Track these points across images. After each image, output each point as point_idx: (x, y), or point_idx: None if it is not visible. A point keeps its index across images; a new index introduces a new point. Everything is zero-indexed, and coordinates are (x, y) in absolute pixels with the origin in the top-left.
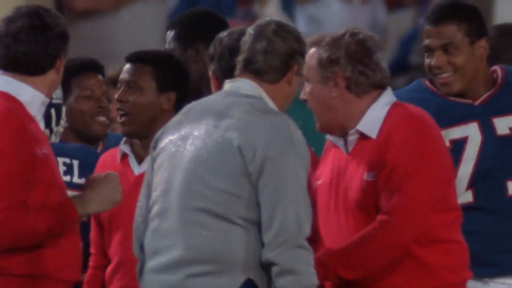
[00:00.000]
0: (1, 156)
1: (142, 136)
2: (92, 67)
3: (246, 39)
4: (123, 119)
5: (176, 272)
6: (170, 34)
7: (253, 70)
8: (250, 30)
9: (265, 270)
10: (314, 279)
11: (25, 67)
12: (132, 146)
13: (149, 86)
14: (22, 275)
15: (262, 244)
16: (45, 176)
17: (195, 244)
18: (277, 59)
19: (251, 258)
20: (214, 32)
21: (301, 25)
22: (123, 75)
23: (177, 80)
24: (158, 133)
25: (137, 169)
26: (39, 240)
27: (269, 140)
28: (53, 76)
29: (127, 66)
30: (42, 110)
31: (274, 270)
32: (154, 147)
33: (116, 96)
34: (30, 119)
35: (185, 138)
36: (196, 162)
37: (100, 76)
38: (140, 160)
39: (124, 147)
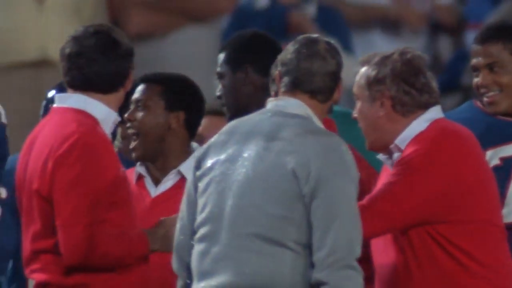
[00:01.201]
0: (89, 172)
1: (153, 159)
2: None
3: (295, 57)
4: (133, 144)
5: None
6: (221, 57)
7: (308, 90)
8: (300, 48)
9: None
10: None
11: (99, 85)
12: (147, 167)
13: (157, 105)
14: None
15: (311, 267)
16: (125, 195)
17: (247, 270)
18: (331, 79)
19: (299, 282)
20: (263, 54)
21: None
22: (134, 95)
23: (186, 100)
24: (200, 152)
25: (153, 191)
26: (110, 265)
27: (322, 162)
28: (122, 93)
29: (139, 86)
30: (112, 128)
31: None
32: (198, 167)
33: (125, 115)
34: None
35: (233, 159)
36: (248, 186)
37: None
38: (156, 182)
39: (139, 168)
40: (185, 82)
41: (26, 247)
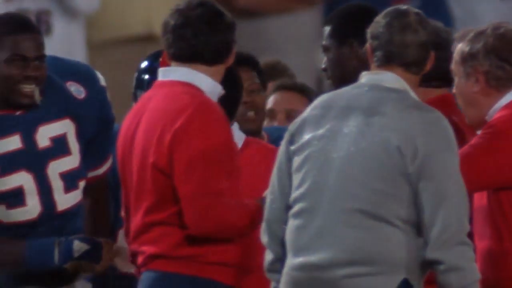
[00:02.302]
0: (209, 143)
1: None
2: (248, 62)
3: (386, 30)
4: None
5: (329, 272)
6: (326, 29)
7: (402, 63)
8: (391, 21)
9: (421, 269)
10: (477, 274)
11: (204, 56)
12: None
13: None
14: (215, 263)
15: (419, 244)
16: (237, 165)
17: (350, 245)
18: (424, 50)
19: (409, 259)
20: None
21: (458, 21)
22: None
23: None
24: (294, 126)
25: None
26: (234, 235)
27: (428, 139)
28: (224, 67)
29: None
30: (217, 101)
31: (440, 268)
32: (292, 142)
33: None
34: None
35: (333, 135)
36: (350, 162)
37: (254, 73)
38: None
39: None
40: None
41: (137, 220)
